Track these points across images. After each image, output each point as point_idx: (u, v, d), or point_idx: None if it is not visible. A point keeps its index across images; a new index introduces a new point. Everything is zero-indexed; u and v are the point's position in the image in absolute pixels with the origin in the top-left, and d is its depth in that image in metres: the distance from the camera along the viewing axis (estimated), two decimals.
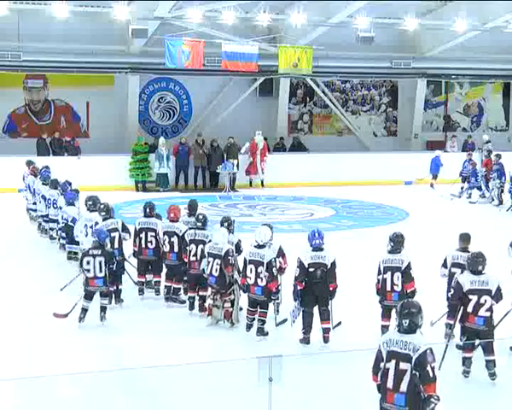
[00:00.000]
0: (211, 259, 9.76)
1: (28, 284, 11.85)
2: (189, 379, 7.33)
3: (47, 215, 14.79)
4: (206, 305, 10.11)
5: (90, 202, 11.95)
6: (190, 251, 10.27)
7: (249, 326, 9.55)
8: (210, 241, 10.14)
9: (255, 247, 9.47)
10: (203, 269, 9.97)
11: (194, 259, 10.26)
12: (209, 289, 9.99)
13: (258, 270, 9.30)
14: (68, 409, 7.32)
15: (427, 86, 27.49)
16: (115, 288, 10.52)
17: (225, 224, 10.29)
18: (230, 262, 9.65)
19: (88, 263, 9.80)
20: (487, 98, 29.29)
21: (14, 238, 15.41)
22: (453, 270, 8.99)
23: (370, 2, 21.20)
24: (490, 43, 25.12)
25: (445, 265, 9.20)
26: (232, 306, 9.75)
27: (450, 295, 8.60)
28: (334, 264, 9.10)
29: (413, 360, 5.80)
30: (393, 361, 5.89)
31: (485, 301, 8.03)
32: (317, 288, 9.09)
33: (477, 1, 22.26)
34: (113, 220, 11.10)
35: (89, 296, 9.86)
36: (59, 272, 12.55)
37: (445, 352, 7.90)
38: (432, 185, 22.77)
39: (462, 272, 8.69)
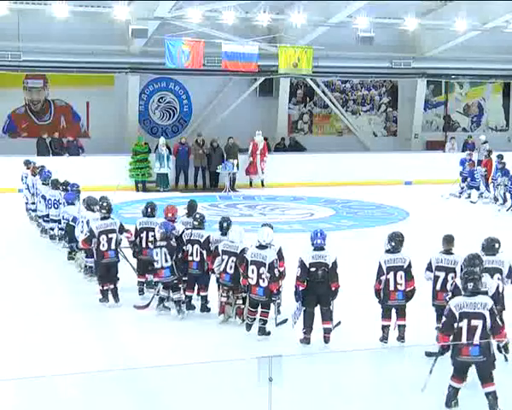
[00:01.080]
0: (225, 256, 9.78)
1: (28, 284, 11.85)
2: (189, 379, 7.32)
3: (47, 215, 14.80)
4: (216, 304, 10.12)
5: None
6: (187, 251, 10.29)
7: (249, 326, 9.55)
8: (206, 240, 10.19)
9: (257, 247, 9.45)
10: (213, 269, 10.03)
11: (190, 259, 10.28)
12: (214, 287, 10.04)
13: (260, 271, 9.29)
14: (68, 409, 7.33)
15: (427, 86, 27.50)
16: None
17: (224, 224, 10.31)
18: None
19: (157, 254, 10.13)
20: (487, 98, 29.30)
21: (14, 238, 15.42)
22: (437, 273, 8.93)
23: (370, 2, 21.21)
24: (490, 43, 25.13)
25: (430, 268, 9.05)
26: (244, 303, 9.77)
27: (447, 298, 8.57)
28: (335, 263, 9.09)
29: (486, 317, 7.02)
30: (465, 320, 7.04)
31: None
32: (318, 288, 9.08)
33: (477, 1, 22.26)
34: (111, 221, 11.00)
35: (165, 287, 10.24)
36: (59, 272, 12.57)
37: (437, 356, 7.83)
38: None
39: (446, 276, 8.74)
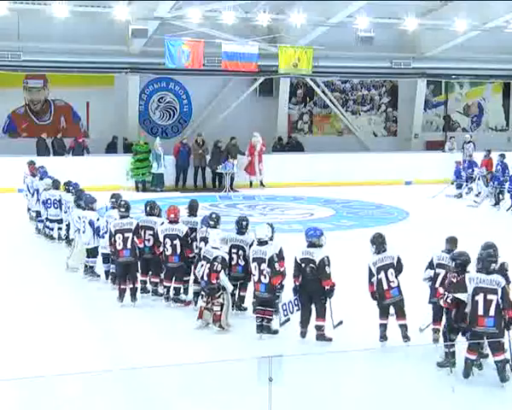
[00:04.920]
0: (204, 262, 9.76)
1: (28, 284, 11.84)
2: (189, 379, 7.33)
3: (39, 213, 15.06)
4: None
5: (113, 200, 11.92)
6: (201, 249, 10.34)
7: (259, 327, 9.53)
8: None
9: (257, 245, 9.55)
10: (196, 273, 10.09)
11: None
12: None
13: (261, 267, 9.37)
14: (68, 409, 7.32)
15: (427, 86, 27.51)
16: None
17: (240, 223, 10.29)
18: (216, 269, 9.56)
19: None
20: (487, 98, 29.30)
21: (13, 238, 15.41)
22: (437, 271, 8.92)
23: (370, 2, 21.21)
24: (490, 43, 25.11)
25: (431, 266, 9.07)
26: (221, 310, 9.66)
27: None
28: (322, 261, 9.08)
29: (499, 293, 7.77)
30: (481, 294, 7.79)
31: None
32: (308, 284, 9.17)
33: (477, 1, 22.26)
34: (129, 220, 10.95)
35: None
36: (59, 272, 12.56)
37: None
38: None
39: (446, 274, 8.73)
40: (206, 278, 9.66)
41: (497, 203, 19.76)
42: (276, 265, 9.37)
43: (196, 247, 10.60)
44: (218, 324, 9.62)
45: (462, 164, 22.36)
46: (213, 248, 9.74)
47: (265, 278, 9.36)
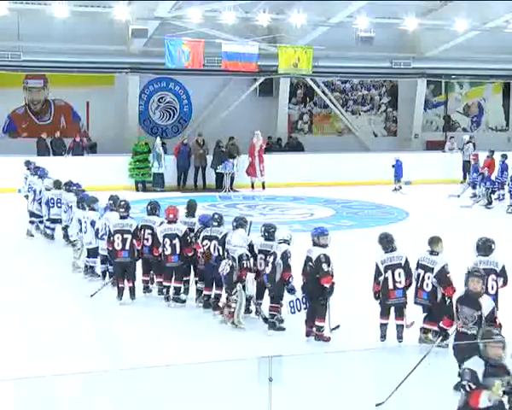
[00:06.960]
0: (227, 260, 9.82)
1: (27, 284, 11.84)
2: (189, 379, 7.32)
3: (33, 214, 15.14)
4: (221, 304, 10.18)
5: (111, 202, 11.91)
6: (204, 246, 10.42)
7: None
8: (223, 237, 10.25)
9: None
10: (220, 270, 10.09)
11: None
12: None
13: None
14: (68, 409, 7.32)
15: (427, 86, 27.51)
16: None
17: (239, 224, 10.34)
18: (245, 266, 9.66)
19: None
20: (487, 98, 29.30)
21: (14, 238, 15.41)
22: (419, 271, 8.91)
23: (370, 2, 21.21)
24: (490, 43, 25.12)
25: (416, 267, 9.04)
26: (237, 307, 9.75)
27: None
28: (318, 258, 9.07)
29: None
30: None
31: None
32: (308, 283, 9.22)
33: (477, 1, 22.26)
34: (129, 221, 10.96)
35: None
36: (58, 272, 12.56)
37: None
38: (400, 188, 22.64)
39: (424, 274, 8.78)
40: (225, 273, 9.72)
41: (489, 203, 19.75)
42: (289, 260, 9.44)
43: (199, 245, 10.59)
44: (232, 320, 9.69)
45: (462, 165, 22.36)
46: (238, 246, 9.79)
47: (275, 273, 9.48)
